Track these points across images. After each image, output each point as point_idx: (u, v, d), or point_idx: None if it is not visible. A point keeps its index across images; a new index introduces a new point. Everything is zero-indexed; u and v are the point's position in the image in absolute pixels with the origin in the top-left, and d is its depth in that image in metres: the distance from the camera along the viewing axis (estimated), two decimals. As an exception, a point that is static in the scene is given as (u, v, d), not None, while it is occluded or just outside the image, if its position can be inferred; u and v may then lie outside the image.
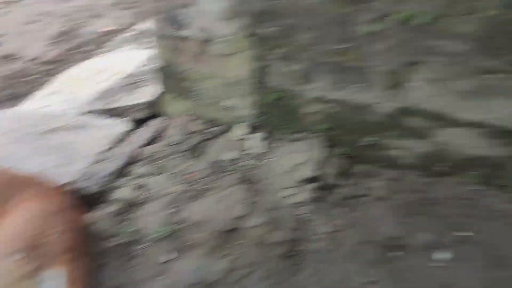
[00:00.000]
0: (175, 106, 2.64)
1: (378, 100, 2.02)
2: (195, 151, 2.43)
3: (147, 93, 2.84)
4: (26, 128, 2.82)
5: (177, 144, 2.47)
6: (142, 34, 3.92)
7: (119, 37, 4.04)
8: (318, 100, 2.21)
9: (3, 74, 3.82)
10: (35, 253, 1.69)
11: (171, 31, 2.41)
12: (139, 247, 1.94)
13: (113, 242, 1.97)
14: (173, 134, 2.52)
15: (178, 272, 1.87)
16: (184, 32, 2.37)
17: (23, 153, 2.57)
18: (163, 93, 2.68)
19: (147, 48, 3.57)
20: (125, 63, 3.35)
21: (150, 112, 2.78)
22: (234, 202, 2.07)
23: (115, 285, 1.81)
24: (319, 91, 2.18)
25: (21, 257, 1.66)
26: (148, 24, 3.95)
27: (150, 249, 1.92)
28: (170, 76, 2.58)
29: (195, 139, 2.48)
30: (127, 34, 4.05)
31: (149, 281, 1.81)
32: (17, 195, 1.88)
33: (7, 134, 2.74)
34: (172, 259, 1.88)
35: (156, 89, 2.79)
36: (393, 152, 2.14)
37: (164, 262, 1.86)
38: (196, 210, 2.09)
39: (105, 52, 3.82)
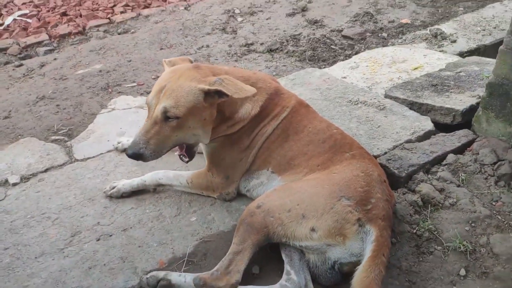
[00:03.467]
0: (492, 126, 2.55)
1: None
2: (508, 181, 2.33)
3: (456, 100, 2.91)
4: (333, 91, 3.26)
5: (486, 165, 2.39)
6: (436, 36, 4.16)
7: (413, 33, 4.40)
8: None
9: (309, 37, 4.45)
10: (361, 207, 1.88)
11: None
12: (435, 247, 2.05)
13: (408, 228, 2.13)
14: (484, 153, 2.43)
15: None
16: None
17: (330, 112, 2.94)
18: (481, 108, 2.62)
19: (440, 51, 3.89)
20: (421, 60, 3.65)
21: (458, 120, 2.81)
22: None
23: (406, 268, 1.98)
24: None
25: (349, 204, 1.86)
26: (443, 28, 4.31)
27: (446, 255, 2.01)
28: (500, 94, 2.48)
29: (507, 169, 2.35)
30: (421, 32, 4.35)
31: (441, 284, 1.90)
32: (345, 151, 2.13)
33: (319, 91, 3.25)
34: (464, 276, 1.92)
35: (467, 100, 2.85)
36: None
37: (460, 276, 1.93)
38: (499, 242, 2.01)
39: (400, 43, 4.21)
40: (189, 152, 2.27)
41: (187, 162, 2.30)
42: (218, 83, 2.04)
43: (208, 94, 2.05)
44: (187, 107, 2.02)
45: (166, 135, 2.05)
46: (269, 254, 2.06)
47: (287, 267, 1.90)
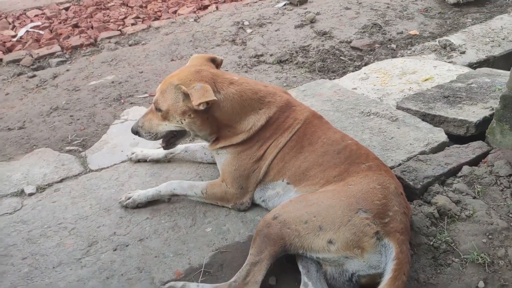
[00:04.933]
0: (507, 138, 2.57)
1: None
2: None
3: (469, 112, 2.93)
4: (345, 103, 3.25)
5: (502, 177, 2.39)
6: (445, 47, 4.20)
7: (422, 44, 4.42)
8: None
9: (318, 48, 4.49)
10: (379, 220, 1.87)
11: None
12: (453, 259, 2.04)
13: (425, 240, 2.12)
14: (499, 165, 2.43)
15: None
16: None
17: (342, 124, 2.95)
18: (495, 120, 2.64)
19: (449, 62, 3.89)
20: (431, 71, 3.67)
21: (471, 132, 2.82)
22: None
23: (424, 280, 1.96)
24: None
25: (367, 217, 1.86)
26: (452, 39, 4.33)
27: (464, 267, 1.99)
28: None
29: None
30: (430, 43, 4.38)
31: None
32: (361, 162, 2.13)
33: (330, 102, 3.26)
34: None
35: (480, 111, 2.87)
36: None
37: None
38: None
39: (409, 54, 4.23)
40: (169, 141, 2.46)
41: (164, 148, 2.53)
42: (195, 89, 2.15)
43: (188, 97, 2.18)
44: (168, 103, 2.26)
45: (156, 122, 2.36)
46: (285, 265, 2.06)
47: (304, 278, 1.90)
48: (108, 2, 5.98)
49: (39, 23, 5.41)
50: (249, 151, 2.31)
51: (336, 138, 2.25)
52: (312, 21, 5.12)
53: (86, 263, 2.09)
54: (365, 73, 3.74)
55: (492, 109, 2.76)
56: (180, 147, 2.76)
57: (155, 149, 2.81)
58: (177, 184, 2.41)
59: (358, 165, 2.11)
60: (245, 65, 4.27)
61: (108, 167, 2.77)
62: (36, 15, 5.66)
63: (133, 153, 2.80)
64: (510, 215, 2.18)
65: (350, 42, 4.60)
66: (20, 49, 4.79)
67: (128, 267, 2.07)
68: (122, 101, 3.62)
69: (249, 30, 5.04)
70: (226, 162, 2.35)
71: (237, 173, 2.31)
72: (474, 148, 2.58)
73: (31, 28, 5.27)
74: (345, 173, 2.09)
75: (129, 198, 2.41)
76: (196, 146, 2.77)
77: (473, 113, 2.85)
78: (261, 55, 4.44)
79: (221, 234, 2.24)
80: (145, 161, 2.78)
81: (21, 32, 5.17)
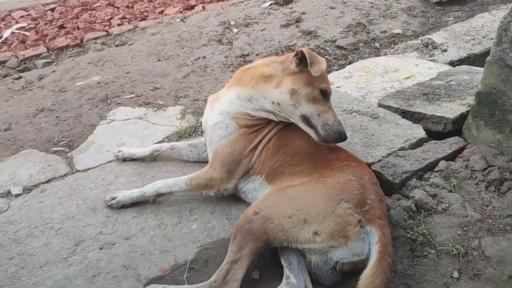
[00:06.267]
0: (482, 133, 2.65)
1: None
2: (497, 186, 2.40)
3: (447, 109, 3.01)
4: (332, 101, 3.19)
5: (477, 171, 2.48)
6: (427, 45, 4.29)
7: (405, 43, 4.51)
8: None
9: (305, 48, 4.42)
10: (360, 208, 1.96)
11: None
12: (429, 250, 2.12)
13: (403, 233, 2.20)
14: (475, 160, 2.52)
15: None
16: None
17: None
18: (471, 116, 2.72)
19: (431, 60, 3.99)
20: (412, 70, 3.75)
21: (449, 128, 2.90)
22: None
23: (401, 271, 2.05)
24: None
25: (349, 206, 1.94)
26: (434, 37, 4.43)
27: (439, 258, 2.08)
28: (489, 103, 2.58)
29: (497, 174, 2.43)
30: (412, 42, 4.47)
31: (435, 286, 1.96)
32: (338, 157, 2.20)
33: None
34: (457, 279, 1.98)
35: (458, 108, 2.96)
36: None
37: (453, 278, 1.99)
38: (490, 245, 2.09)
39: (392, 53, 4.33)
40: None
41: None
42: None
43: None
44: None
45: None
46: (269, 259, 2.11)
47: (286, 271, 1.96)
48: (94, 3, 5.99)
49: (24, 24, 5.40)
50: (251, 135, 2.35)
51: (309, 143, 2.28)
52: (298, 20, 5.18)
53: (73, 262, 2.12)
54: (348, 72, 3.81)
55: (469, 106, 2.84)
56: (166, 145, 2.81)
57: (141, 148, 2.85)
58: (162, 183, 2.44)
59: (328, 164, 2.18)
60: (231, 64, 4.32)
61: (94, 167, 2.80)
62: (21, 16, 5.65)
63: (119, 151, 2.83)
64: (484, 207, 2.27)
65: (335, 41, 4.68)
66: (5, 51, 4.79)
67: (114, 265, 2.11)
68: (109, 101, 3.65)
69: (235, 30, 5.08)
70: (224, 143, 2.35)
71: (230, 157, 2.34)
72: (451, 144, 2.66)
73: (16, 29, 5.26)
74: (315, 168, 2.16)
75: (113, 199, 2.44)
76: (183, 144, 2.81)
77: (451, 109, 2.94)
78: (247, 55, 4.48)
79: (206, 231, 2.29)
80: (131, 159, 2.81)
81: (7, 33, 5.16)
